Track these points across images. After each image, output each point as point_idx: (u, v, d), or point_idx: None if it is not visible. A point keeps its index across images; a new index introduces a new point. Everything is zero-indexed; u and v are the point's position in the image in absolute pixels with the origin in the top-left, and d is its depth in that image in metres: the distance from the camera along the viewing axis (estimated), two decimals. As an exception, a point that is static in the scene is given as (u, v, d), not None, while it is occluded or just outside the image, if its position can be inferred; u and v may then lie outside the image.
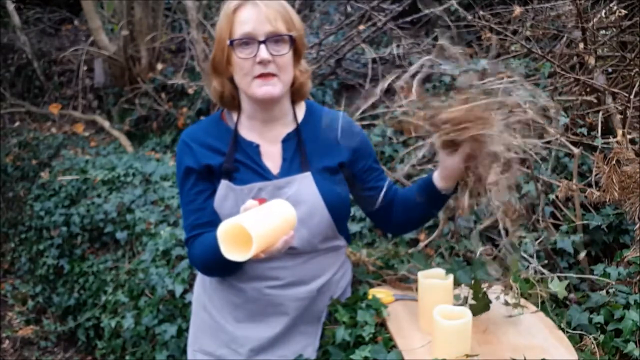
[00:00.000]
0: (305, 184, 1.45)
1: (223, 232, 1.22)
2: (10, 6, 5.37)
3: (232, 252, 1.21)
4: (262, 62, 1.37)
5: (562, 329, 1.43)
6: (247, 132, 1.51)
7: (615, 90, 2.32)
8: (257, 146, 1.49)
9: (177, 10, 5.30)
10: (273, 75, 1.39)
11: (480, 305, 1.41)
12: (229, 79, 1.47)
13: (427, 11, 3.59)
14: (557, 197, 2.05)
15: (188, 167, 1.49)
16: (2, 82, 5.46)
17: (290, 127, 1.52)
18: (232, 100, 1.51)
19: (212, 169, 1.47)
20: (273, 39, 1.38)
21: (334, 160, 1.51)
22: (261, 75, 1.38)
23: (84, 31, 5.83)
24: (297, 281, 1.50)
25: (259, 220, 1.22)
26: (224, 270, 1.48)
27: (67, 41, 5.91)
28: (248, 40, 1.38)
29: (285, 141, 1.51)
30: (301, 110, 1.56)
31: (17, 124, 5.10)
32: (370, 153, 1.59)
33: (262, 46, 1.37)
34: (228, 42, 1.39)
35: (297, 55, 1.46)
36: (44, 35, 6.05)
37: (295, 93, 1.52)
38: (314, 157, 1.50)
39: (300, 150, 1.49)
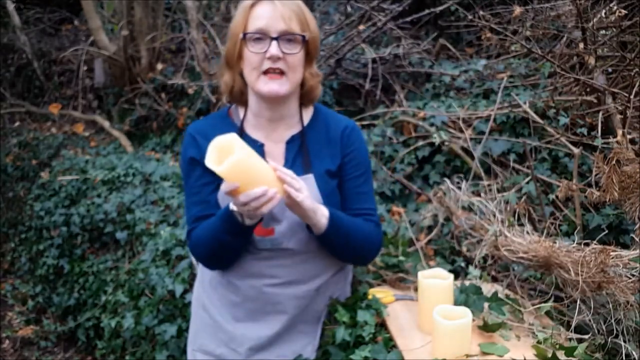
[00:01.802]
0: (307, 185, 1.45)
1: (215, 144, 1.27)
2: (10, 6, 5.37)
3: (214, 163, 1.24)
4: (272, 58, 1.38)
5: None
6: (253, 130, 1.52)
7: (615, 90, 2.32)
8: (262, 145, 1.50)
9: (177, 10, 5.30)
10: (281, 73, 1.39)
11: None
12: (240, 73, 1.48)
13: (427, 11, 3.60)
14: (557, 197, 2.05)
15: (192, 158, 1.49)
16: (2, 82, 5.46)
17: (295, 129, 1.52)
18: (240, 96, 1.51)
19: None
20: (285, 37, 1.38)
21: (335, 163, 1.51)
22: (269, 71, 1.39)
23: (84, 31, 5.83)
24: (296, 280, 1.51)
25: (252, 155, 1.26)
26: (224, 256, 1.47)
27: (67, 41, 5.91)
28: (260, 36, 1.38)
29: (289, 142, 1.51)
30: (308, 113, 1.55)
31: (17, 124, 5.10)
32: (360, 165, 1.54)
33: (274, 43, 1.37)
34: (241, 35, 1.40)
35: (308, 57, 1.46)
36: (44, 35, 6.05)
37: (305, 96, 1.52)
38: (316, 159, 1.50)
39: (303, 153, 1.49)
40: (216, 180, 1.47)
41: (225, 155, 1.24)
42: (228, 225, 1.37)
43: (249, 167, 1.26)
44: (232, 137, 1.27)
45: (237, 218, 1.36)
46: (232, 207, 1.35)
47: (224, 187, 1.27)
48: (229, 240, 1.41)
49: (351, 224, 1.47)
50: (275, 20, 1.38)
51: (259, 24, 1.38)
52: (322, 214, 1.40)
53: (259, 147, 1.49)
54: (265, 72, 1.39)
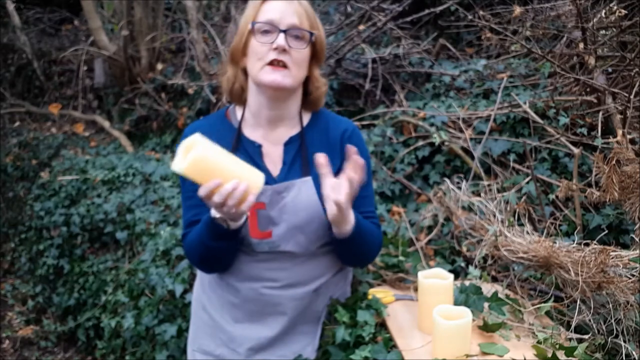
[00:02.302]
0: (305, 189, 1.45)
1: (182, 146, 1.24)
2: (10, 6, 5.37)
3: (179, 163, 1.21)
4: (278, 49, 1.38)
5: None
6: (251, 131, 1.51)
7: (615, 90, 2.32)
8: (259, 146, 1.49)
9: (177, 10, 5.31)
10: (285, 66, 1.39)
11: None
12: (242, 70, 1.48)
13: (427, 11, 3.59)
14: (557, 197, 2.05)
15: None
16: (2, 82, 5.46)
17: (294, 130, 1.51)
18: (241, 94, 1.51)
19: None
20: (294, 32, 1.39)
21: (335, 166, 1.50)
22: (273, 63, 1.39)
23: (84, 31, 5.83)
24: (295, 282, 1.50)
25: (215, 151, 1.22)
26: (216, 260, 1.47)
27: (67, 41, 5.91)
28: (269, 28, 1.39)
29: (287, 144, 1.50)
30: (307, 114, 1.55)
31: (17, 124, 5.10)
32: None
33: (282, 34, 1.38)
34: (250, 25, 1.40)
35: (314, 59, 1.47)
36: (44, 35, 6.05)
37: (311, 103, 1.52)
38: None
39: (302, 154, 1.49)
40: None
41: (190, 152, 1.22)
42: (213, 231, 1.36)
43: (213, 164, 1.21)
44: (195, 136, 1.23)
45: (221, 224, 1.34)
46: (213, 213, 1.33)
47: (200, 192, 1.24)
48: (217, 245, 1.40)
49: (367, 227, 1.47)
50: (286, 14, 1.39)
51: (270, 15, 1.39)
52: (351, 214, 1.39)
53: (256, 149, 1.49)
54: (269, 64, 1.39)
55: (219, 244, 1.39)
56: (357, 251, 1.50)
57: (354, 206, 1.50)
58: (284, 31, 1.38)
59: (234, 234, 1.38)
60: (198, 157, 1.19)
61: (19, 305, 3.63)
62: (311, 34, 1.41)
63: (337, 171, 1.50)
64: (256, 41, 1.40)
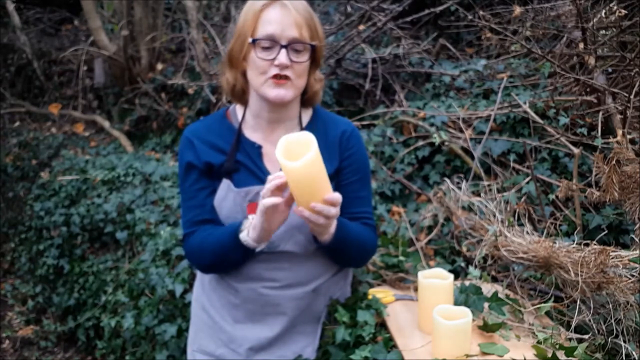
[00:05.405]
0: None
1: (286, 139, 1.25)
2: (10, 6, 5.37)
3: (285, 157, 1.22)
4: (280, 66, 1.37)
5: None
6: (251, 132, 1.51)
7: (615, 90, 2.32)
8: (259, 147, 1.49)
9: (177, 10, 5.30)
10: (287, 79, 1.39)
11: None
12: (242, 73, 1.47)
13: (427, 11, 3.59)
14: (557, 197, 2.05)
15: (189, 163, 1.49)
16: (2, 82, 5.45)
17: (293, 131, 1.51)
18: (242, 95, 1.51)
19: (212, 167, 1.47)
20: (295, 46, 1.38)
21: (332, 166, 1.50)
22: (276, 76, 1.38)
23: (84, 31, 5.83)
24: (295, 283, 1.50)
25: (321, 160, 1.24)
26: (219, 266, 1.49)
27: (67, 41, 5.91)
28: (270, 45, 1.38)
29: None
30: (307, 115, 1.55)
31: (17, 124, 5.10)
32: (359, 170, 1.54)
33: (283, 51, 1.37)
34: (250, 40, 1.39)
35: (314, 64, 1.47)
36: (44, 35, 6.05)
37: (308, 101, 1.52)
38: None
39: None
40: (211, 184, 1.48)
41: (294, 150, 1.22)
42: (238, 248, 1.40)
43: (319, 171, 1.24)
44: (308, 135, 1.24)
45: (249, 245, 1.38)
46: (246, 223, 1.37)
47: (272, 177, 1.28)
48: (234, 258, 1.43)
49: (355, 234, 1.47)
50: (287, 27, 1.37)
51: (270, 29, 1.37)
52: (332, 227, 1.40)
53: (256, 149, 1.49)
54: (272, 77, 1.39)
55: (237, 258, 1.43)
56: (343, 256, 1.51)
57: (350, 205, 1.50)
58: (285, 46, 1.37)
59: (252, 252, 1.41)
60: (313, 159, 1.20)
61: (19, 305, 3.63)
62: (312, 46, 1.41)
63: (334, 172, 1.50)
64: (257, 56, 1.39)
